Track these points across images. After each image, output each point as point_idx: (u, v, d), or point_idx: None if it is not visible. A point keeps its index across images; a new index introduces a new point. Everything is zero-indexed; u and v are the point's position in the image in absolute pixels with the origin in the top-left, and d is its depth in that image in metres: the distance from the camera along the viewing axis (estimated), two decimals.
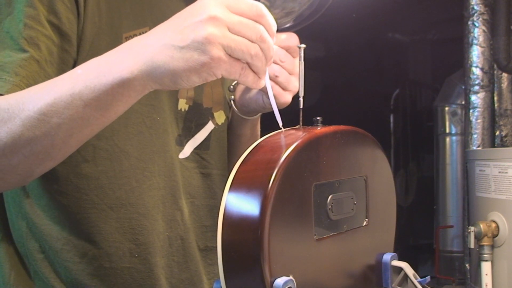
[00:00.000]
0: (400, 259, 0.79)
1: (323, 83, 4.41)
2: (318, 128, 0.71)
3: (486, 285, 1.94)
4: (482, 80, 2.76)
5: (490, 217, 1.97)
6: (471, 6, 2.78)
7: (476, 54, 2.76)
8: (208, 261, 0.99)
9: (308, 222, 0.66)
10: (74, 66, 0.82)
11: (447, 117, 3.94)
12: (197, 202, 0.98)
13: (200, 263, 0.98)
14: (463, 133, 3.23)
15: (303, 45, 0.78)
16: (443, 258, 3.78)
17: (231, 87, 1.00)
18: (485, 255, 1.94)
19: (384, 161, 0.81)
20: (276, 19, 0.71)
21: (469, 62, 2.78)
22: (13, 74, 0.74)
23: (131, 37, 0.85)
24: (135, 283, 0.89)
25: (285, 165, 0.62)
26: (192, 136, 0.98)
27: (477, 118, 2.77)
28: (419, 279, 0.78)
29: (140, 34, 0.80)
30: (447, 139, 3.94)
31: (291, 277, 0.60)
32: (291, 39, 0.87)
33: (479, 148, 2.75)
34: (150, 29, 0.72)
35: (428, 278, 0.78)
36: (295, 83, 0.86)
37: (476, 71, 2.76)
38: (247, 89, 0.98)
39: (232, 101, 1.01)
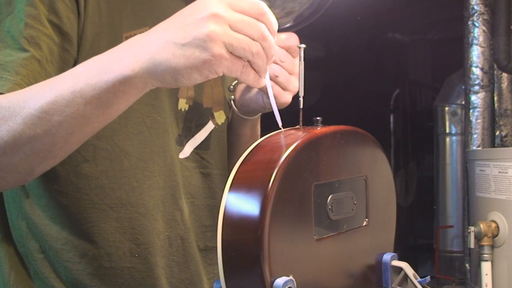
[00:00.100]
0: (400, 259, 0.79)
1: (323, 83, 4.41)
2: (318, 128, 0.71)
3: (486, 285, 1.94)
4: (482, 80, 2.76)
5: (490, 217, 1.97)
6: (471, 6, 2.78)
7: (476, 54, 2.76)
8: (208, 261, 0.99)
9: (308, 222, 0.66)
10: (74, 65, 0.82)
11: (447, 117, 3.94)
12: (197, 202, 0.98)
13: (200, 263, 0.98)
14: (463, 133, 3.23)
15: (303, 45, 0.78)
16: (443, 258, 3.78)
17: (231, 87, 1.00)
18: (485, 255, 1.94)
19: (384, 161, 0.81)
20: (276, 19, 0.71)
21: (469, 62, 2.78)
22: (14, 73, 0.74)
23: (131, 36, 0.85)
24: (135, 282, 0.89)
25: (285, 165, 0.62)
26: (192, 136, 0.98)
27: (477, 118, 2.77)
28: (419, 279, 0.78)
29: (140, 33, 0.80)
30: (447, 139, 3.94)
31: (291, 277, 0.60)
32: (291, 39, 0.87)
33: (479, 148, 2.74)
34: (150, 28, 0.72)
35: (428, 278, 0.78)
36: (295, 83, 0.86)
37: (476, 71, 2.76)
38: (247, 89, 0.98)
39: (232, 101, 1.01)
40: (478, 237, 1.94)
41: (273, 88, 0.82)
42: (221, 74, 0.67)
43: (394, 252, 0.80)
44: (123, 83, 0.67)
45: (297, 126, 0.74)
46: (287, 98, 0.87)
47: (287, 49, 0.87)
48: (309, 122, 0.75)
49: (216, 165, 1.01)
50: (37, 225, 0.87)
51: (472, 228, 1.94)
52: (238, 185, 0.63)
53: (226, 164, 1.03)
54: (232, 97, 1.01)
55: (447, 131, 3.94)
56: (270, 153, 0.64)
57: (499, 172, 1.95)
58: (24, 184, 0.87)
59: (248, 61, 0.68)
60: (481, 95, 2.76)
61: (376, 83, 4.95)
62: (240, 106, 1.00)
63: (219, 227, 0.61)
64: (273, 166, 0.62)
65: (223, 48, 0.65)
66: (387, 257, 0.79)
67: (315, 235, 0.66)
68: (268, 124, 0.87)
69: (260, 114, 1.03)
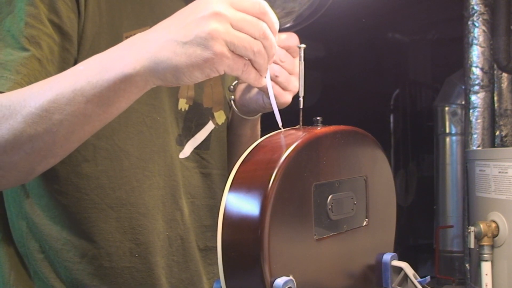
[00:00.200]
0: (400, 259, 0.79)
1: (323, 83, 4.41)
2: (318, 128, 0.71)
3: (486, 285, 1.94)
4: (482, 80, 2.76)
5: (490, 217, 1.97)
6: (471, 6, 2.78)
7: (476, 54, 2.76)
8: (208, 261, 0.99)
9: (308, 222, 0.66)
10: (74, 65, 0.82)
11: (447, 117, 3.94)
12: (197, 202, 0.98)
13: (200, 263, 0.98)
14: (463, 133, 3.23)
15: (303, 45, 0.78)
16: (443, 258, 3.78)
17: (231, 87, 1.00)
18: (485, 255, 1.94)
19: (384, 161, 0.81)
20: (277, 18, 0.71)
21: (469, 62, 2.78)
22: (14, 72, 0.74)
23: (131, 36, 0.85)
24: (135, 282, 0.89)
25: (285, 165, 0.62)
26: (192, 136, 0.98)
27: (477, 118, 2.77)
28: (419, 279, 0.78)
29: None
30: (447, 139, 3.94)
31: (291, 277, 0.60)
32: (291, 39, 0.87)
33: (479, 148, 2.74)
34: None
35: (428, 278, 0.78)
36: (295, 83, 0.86)
37: (476, 71, 2.76)
38: (247, 89, 0.98)
39: (232, 101, 1.01)
40: (478, 237, 1.94)
41: (273, 88, 0.82)
42: (222, 73, 0.67)
43: (394, 252, 0.80)
44: (124, 82, 0.67)
45: (297, 126, 0.74)
46: (287, 98, 0.87)
47: (287, 49, 0.87)
48: (309, 122, 0.75)
49: (216, 165, 1.01)
50: (37, 225, 0.87)
51: (472, 228, 1.94)
52: (238, 185, 0.63)
53: (226, 164, 1.03)
54: (232, 97, 1.01)
55: (447, 131, 3.94)
56: (270, 153, 0.64)
57: (499, 172, 1.95)
58: (24, 184, 0.87)
59: (249, 60, 0.68)
60: (481, 95, 2.76)
61: (376, 83, 4.95)
62: (240, 106, 1.00)
63: (219, 227, 0.61)
64: (273, 166, 0.62)
65: (224, 46, 0.65)
66: (387, 257, 0.79)
67: (315, 235, 0.66)
68: (268, 124, 0.87)
69: (260, 114, 1.03)
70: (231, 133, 1.06)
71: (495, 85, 2.81)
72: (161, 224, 0.92)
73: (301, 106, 0.76)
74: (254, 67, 0.69)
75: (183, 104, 0.95)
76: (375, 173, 0.79)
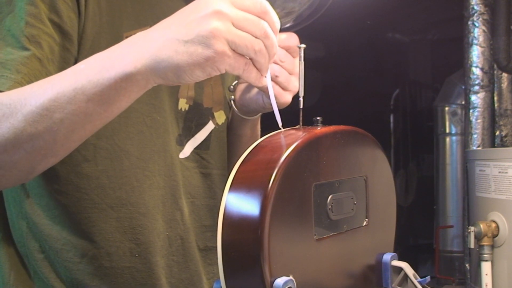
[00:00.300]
0: (400, 259, 0.79)
1: (323, 83, 4.41)
2: (318, 128, 0.71)
3: (486, 285, 1.94)
4: (482, 80, 2.76)
5: (490, 217, 1.97)
6: (471, 6, 2.78)
7: (476, 54, 2.76)
8: (208, 261, 0.99)
9: (308, 222, 0.66)
10: (74, 64, 0.82)
11: (447, 117, 3.94)
12: (197, 202, 0.98)
13: (200, 263, 0.98)
14: (463, 133, 3.22)
15: (303, 45, 0.78)
16: (443, 258, 3.78)
17: (231, 87, 1.00)
18: (485, 255, 1.94)
19: (384, 161, 0.81)
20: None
21: (469, 62, 2.78)
22: (14, 71, 0.74)
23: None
24: (135, 282, 0.89)
25: (285, 165, 0.62)
26: (192, 135, 0.98)
27: (477, 118, 2.77)
28: (419, 279, 0.78)
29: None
30: (447, 139, 3.94)
31: (291, 277, 0.60)
32: (291, 39, 0.87)
33: (479, 148, 2.74)
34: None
35: (428, 278, 0.78)
36: (295, 83, 0.86)
37: (476, 71, 2.76)
38: (247, 89, 0.98)
39: (232, 101, 1.01)
40: (478, 237, 1.94)
41: (273, 88, 0.82)
42: (223, 72, 0.67)
43: (394, 252, 0.80)
44: (125, 80, 0.67)
45: (297, 126, 0.74)
46: (287, 98, 0.87)
47: (287, 49, 0.87)
48: (309, 122, 0.75)
49: (216, 165, 1.01)
50: (37, 225, 0.87)
51: (472, 228, 1.94)
52: (238, 185, 0.63)
53: (226, 164, 1.03)
54: (232, 97, 1.01)
55: (447, 131, 3.94)
56: (270, 153, 0.64)
57: (499, 172, 1.95)
58: (24, 184, 0.87)
59: (251, 59, 0.68)
60: (481, 95, 2.76)
61: (376, 83, 4.95)
62: (240, 106, 1.00)
63: (219, 227, 0.61)
64: (273, 166, 0.62)
65: (226, 45, 0.65)
66: (387, 257, 0.79)
67: (315, 235, 0.66)
68: (268, 124, 0.87)
69: (260, 114, 1.03)
70: (231, 133, 1.06)
71: (495, 85, 2.81)
72: (161, 224, 0.92)
73: (301, 106, 0.76)
74: (255, 66, 0.69)
75: (183, 104, 0.95)
76: (375, 173, 0.79)
